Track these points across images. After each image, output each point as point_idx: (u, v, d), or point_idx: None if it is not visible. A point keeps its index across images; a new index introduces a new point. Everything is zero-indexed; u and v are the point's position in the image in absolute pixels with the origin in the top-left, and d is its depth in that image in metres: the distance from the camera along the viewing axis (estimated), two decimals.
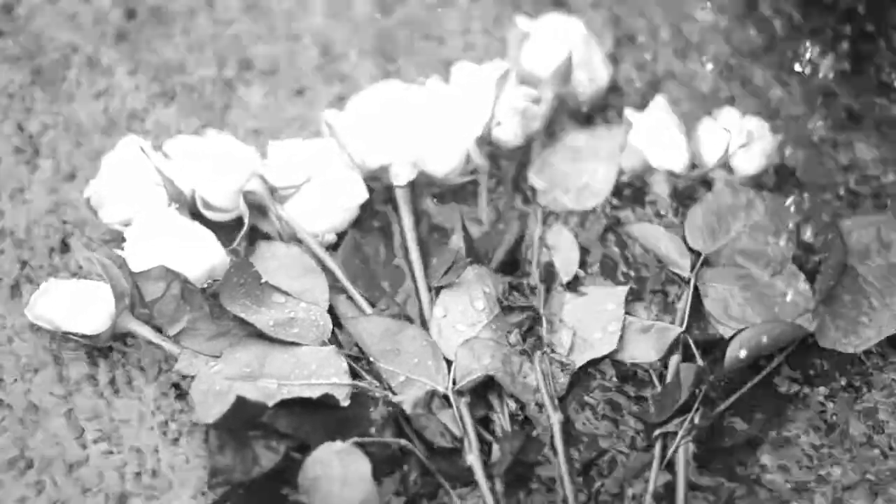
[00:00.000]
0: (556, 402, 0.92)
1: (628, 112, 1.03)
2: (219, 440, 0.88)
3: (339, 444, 0.87)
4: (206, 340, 0.94)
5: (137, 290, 0.95)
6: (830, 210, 1.00)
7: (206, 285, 0.96)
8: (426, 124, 1.01)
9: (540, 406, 0.91)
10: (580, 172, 1.02)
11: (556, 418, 0.91)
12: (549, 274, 0.97)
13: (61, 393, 0.93)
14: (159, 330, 0.95)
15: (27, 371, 0.94)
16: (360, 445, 0.88)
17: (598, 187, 1.01)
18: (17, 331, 0.96)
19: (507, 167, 1.03)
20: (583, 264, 0.97)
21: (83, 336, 0.94)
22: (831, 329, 0.94)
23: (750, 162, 1.01)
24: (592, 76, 1.05)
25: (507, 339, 0.93)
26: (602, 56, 1.06)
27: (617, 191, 1.01)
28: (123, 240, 0.97)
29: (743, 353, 0.91)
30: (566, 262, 0.97)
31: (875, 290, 0.95)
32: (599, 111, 1.06)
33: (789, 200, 0.99)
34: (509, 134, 1.02)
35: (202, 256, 0.96)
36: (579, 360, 0.94)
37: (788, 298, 0.95)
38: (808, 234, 0.98)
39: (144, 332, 0.95)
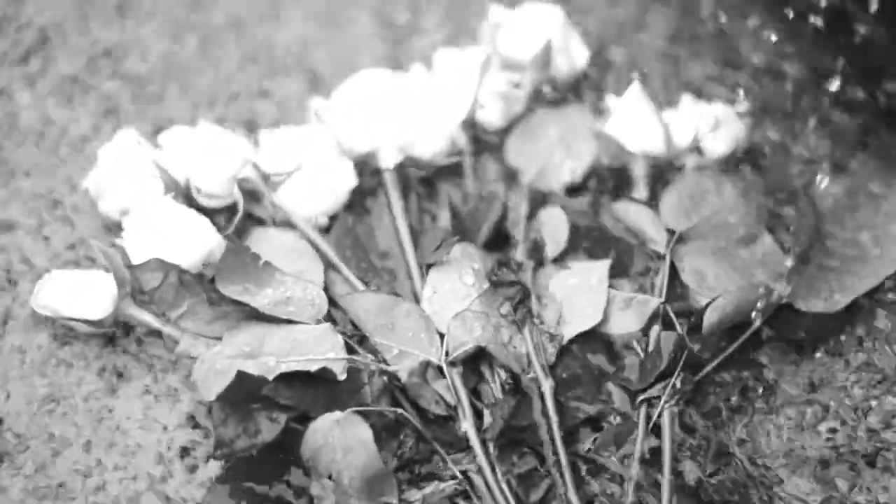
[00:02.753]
0: (547, 370, 0.95)
1: (608, 98, 1.05)
2: (222, 413, 0.90)
3: (338, 413, 0.89)
4: (206, 324, 0.96)
5: (137, 280, 0.97)
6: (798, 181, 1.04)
7: (203, 271, 0.98)
8: (411, 109, 1.03)
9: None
10: (553, 151, 1.04)
11: (547, 385, 0.93)
12: (536, 249, 0.99)
13: (80, 423, 0.94)
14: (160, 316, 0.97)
15: (46, 403, 0.94)
16: (359, 414, 0.90)
17: (573, 165, 1.03)
18: (37, 365, 0.96)
19: (491, 148, 1.05)
20: (572, 240, 0.99)
21: (87, 322, 0.96)
22: (806, 292, 0.97)
23: (719, 145, 1.04)
24: (570, 60, 1.07)
25: (498, 312, 0.96)
26: (579, 41, 1.08)
27: (596, 172, 1.04)
28: (121, 229, 1.00)
29: (717, 319, 0.94)
30: (554, 238, 0.99)
31: (847, 251, 0.98)
32: (577, 93, 1.08)
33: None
34: (492, 117, 1.05)
35: (199, 242, 0.97)
36: (567, 332, 0.96)
37: (759, 273, 0.98)
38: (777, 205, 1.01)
39: (145, 317, 0.96)
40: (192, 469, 0.91)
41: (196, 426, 0.93)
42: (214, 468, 0.91)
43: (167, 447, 0.93)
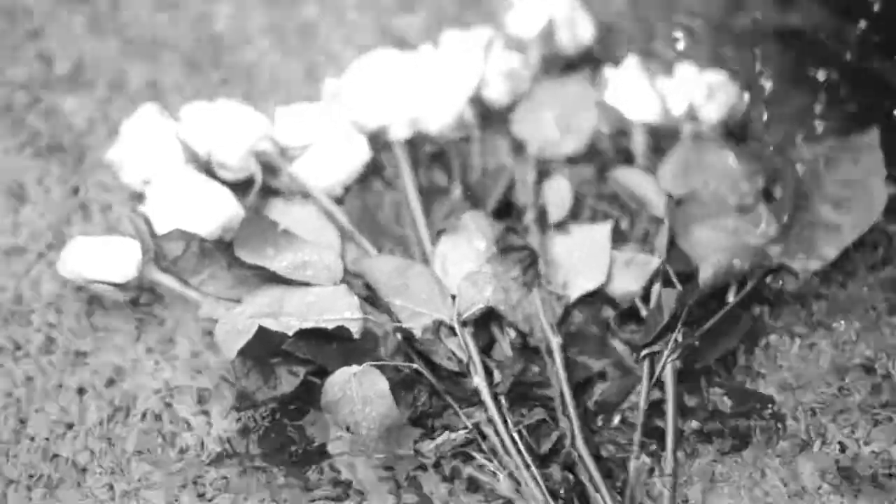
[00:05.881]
0: (555, 327, 0.93)
1: (605, 70, 1.04)
2: (244, 366, 0.89)
3: (356, 366, 0.87)
4: (227, 289, 0.94)
5: (160, 246, 0.95)
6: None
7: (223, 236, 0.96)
8: (420, 87, 1.02)
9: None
10: (558, 122, 1.02)
11: (555, 341, 0.92)
12: (542, 216, 0.98)
13: (91, 449, 0.90)
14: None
15: (57, 429, 0.91)
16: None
17: (577, 135, 1.02)
18: (49, 392, 0.92)
19: (497, 124, 1.04)
20: (576, 206, 0.98)
21: (112, 284, 0.94)
22: (796, 250, 0.96)
23: (713, 112, 1.02)
24: (575, 35, 1.06)
25: (507, 275, 0.94)
26: (585, 16, 1.07)
27: (598, 141, 1.02)
28: (142, 199, 0.98)
29: (712, 274, 0.93)
30: (559, 204, 0.98)
31: (828, 209, 0.97)
32: (583, 67, 1.06)
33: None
34: (498, 94, 1.03)
35: (219, 210, 0.96)
36: (574, 292, 0.94)
37: (758, 231, 0.97)
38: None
39: (168, 281, 0.94)
40: (201, 496, 0.88)
41: (205, 453, 0.90)
42: (224, 497, 0.88)
43: (176, 475, 0.89)
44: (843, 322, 0.95)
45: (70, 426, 0.90)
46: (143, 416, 0.90)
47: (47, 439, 0.90)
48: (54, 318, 0.95)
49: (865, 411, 0.90)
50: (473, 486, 0.87)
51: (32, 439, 0.90)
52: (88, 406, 0.91)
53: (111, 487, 0.88)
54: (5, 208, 1.00)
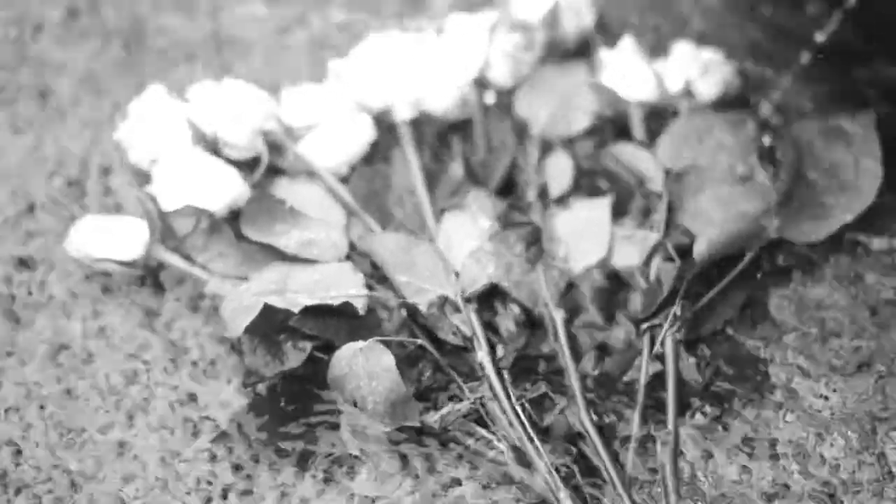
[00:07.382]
0: (558, 301, 0.92)
1: (601, 52, 1.04)
2: (251, 342, 0.88)
3: (361, 342, 0.87)
4: (234, 266, 0.93)
5: (167, 225, 0.95)
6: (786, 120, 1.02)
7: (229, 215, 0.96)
8: (424, 68, 1.01)
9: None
10: (559, 103, 1.02)
11: (558, 315, 0.91)
12: (544, 192, 0.98)
13: (98, 455, 0.89)
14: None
15: (64, 435, 0.89)
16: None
17: (577, 115, 1.01)
18: (54, 398, 0.91)
19: (500, 105, 1.03)
20: (577, 183, 0.98)
21: (118, 263, 0.93)
22: (793, 223, 0.95)
23: (709, 88, 1.02)
24: (578, 19, 1.05)
25: (510, 251, 0.94)
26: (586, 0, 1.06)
27: (598, 121, 1.01)
28: (149, 179, 0.97)
29: (706, 248, 0.93)
30: (560, 181, 0.98)
31: (827, 184, 0.97)
32: (585, 50, 1.05)
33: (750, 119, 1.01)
34: (501, 76, 1.03)
35: (226, 189, 0.95)
36: (576, 267, 0.94)
37: (751, 207, 0.97)
38: (766, 142, 1.00)
39: (174, 260, 0.94)
40: (209, 501, 0.87)
41: (213, 458, 0.89)
42: (233, 500, 0.87)
43: (185, 480, 0.88)
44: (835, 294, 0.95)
45: (81, 431, 0.90)
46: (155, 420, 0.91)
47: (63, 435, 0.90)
48: (63, 318, 0.95)
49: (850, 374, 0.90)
50: (476, 460, 0.87)
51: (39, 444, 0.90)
52: (98, 410, 0.91)
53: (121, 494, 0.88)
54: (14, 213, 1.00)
